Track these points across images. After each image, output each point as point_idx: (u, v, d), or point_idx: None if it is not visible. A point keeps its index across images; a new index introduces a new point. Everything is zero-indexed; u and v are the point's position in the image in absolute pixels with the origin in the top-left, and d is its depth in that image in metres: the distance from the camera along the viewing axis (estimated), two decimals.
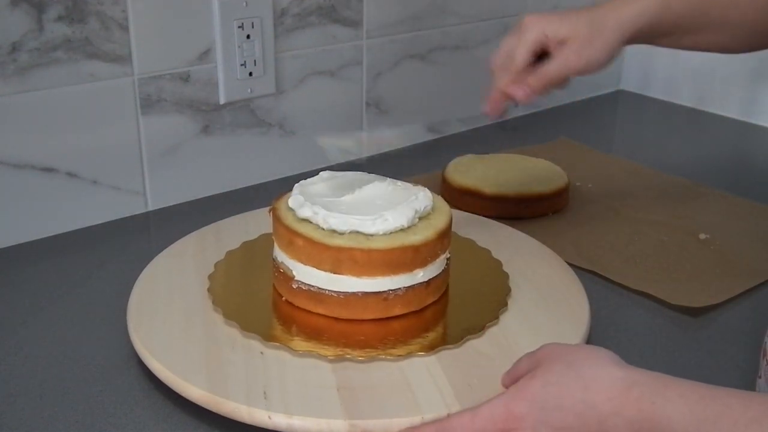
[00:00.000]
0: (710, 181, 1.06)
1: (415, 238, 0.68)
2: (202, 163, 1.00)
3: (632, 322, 0.76)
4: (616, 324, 0.75)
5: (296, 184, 0.74)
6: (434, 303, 0.73)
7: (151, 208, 0.97)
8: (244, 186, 1.04)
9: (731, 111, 1.33)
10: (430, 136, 1.22)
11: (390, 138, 0.96)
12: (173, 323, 0.69)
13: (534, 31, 0.74)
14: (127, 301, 0.74)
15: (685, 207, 0.98)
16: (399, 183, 0.76)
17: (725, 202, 1.00)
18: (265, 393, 0.60)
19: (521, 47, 0.75)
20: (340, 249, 0.67)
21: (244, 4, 0.97)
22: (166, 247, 0.82)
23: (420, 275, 0.70)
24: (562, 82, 0.77)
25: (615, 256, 0.86)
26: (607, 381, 0.50)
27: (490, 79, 0.78)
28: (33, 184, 0.88)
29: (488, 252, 0.82)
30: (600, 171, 1.09)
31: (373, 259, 0.67)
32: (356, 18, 1.08)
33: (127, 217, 0.95)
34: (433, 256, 0.70)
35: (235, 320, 0.69)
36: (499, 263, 0.80)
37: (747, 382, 0.66)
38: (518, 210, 0.94)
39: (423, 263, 0.69)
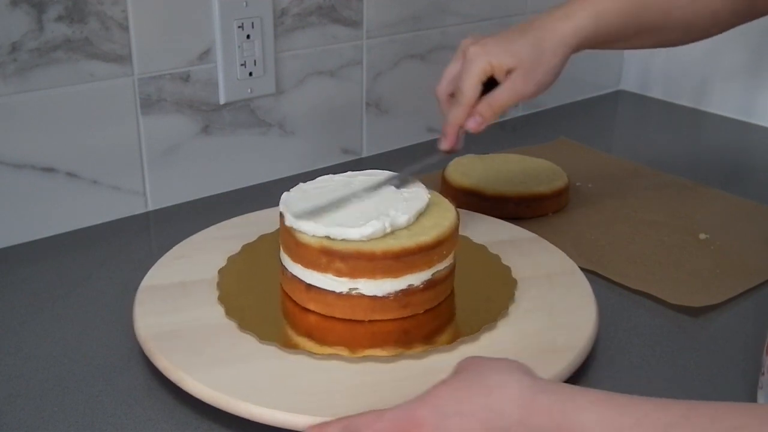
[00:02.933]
0: (710, 181, 1.06)
1: (420, 239, 0.69)
2: (202, 163, 1.00)
3: (632, 322, 0.76)
4: (616, 324, 0.75)
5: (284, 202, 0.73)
6: (440, 303, 0.73)
7: (151, 208, 0.97)
8: (244, 186, 1.04)
9: (731, 111, 1.33)
10: (430, 136, 1.22)
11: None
12: (181, 322, 0.69)
13: (479, 62, 0.75)
14: (128, 301, 0.74)
15: (685, 207, 0.98)
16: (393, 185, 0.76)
17: (725, 202, 1.00)
18: (271, 391, 0.61)
19: (469, 80, 0.75)
20: (346, 252, 0.67)
21: (244, 4, 0.97)
22: (166, 247, 0.82)
23: (421, 276, 0.70)
24: (510, 107, 0.78)
25: (615, 255, 0.86)
26: (515, 388, 0.49)
27: (439, 109, 0.80)
28: (33, 184, 0.88)
29: (485, 248, 0.82)
30: (600, 171, 1.09)
31: (372, 262, 0.67)
32: (356, 18, 1.08)
33: (127, 217, 0.95)
34: (436, 258, 0.70)
35: (237, 319, 0.69)
36: (498, 257, 0.80)
37: (747, 381, 0.66)
38: (518, 210, 0.94)
39: (425, 265, 0.70)
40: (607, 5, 0.77)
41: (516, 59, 0.75)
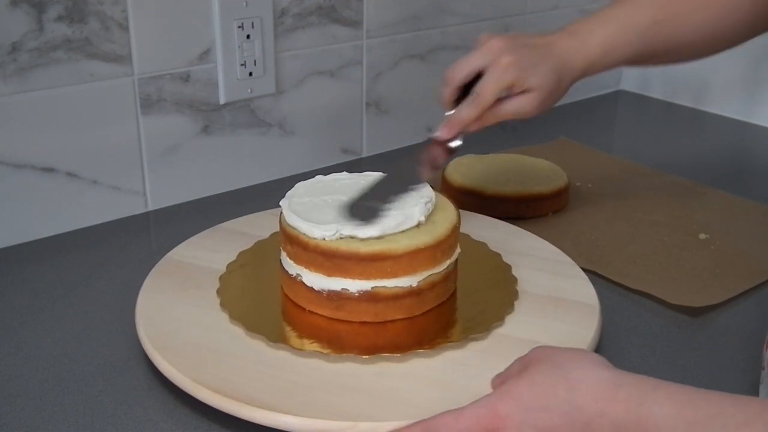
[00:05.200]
0: (710, 181, 1.06)
1: (454, 219, 0.70)
2: (202, 163, 1.00)
3: (632, 322, 0.76)
4: (617, 324, 0.75)
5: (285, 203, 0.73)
6: (443, 303, 0.73)
7: (151, 208, 0.97)
8: (244, 186, 1.04)
9: (731, 111, 1.33)
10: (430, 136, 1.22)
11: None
12: (182, 324, 0.69)
13: (511, 74, 0.76)
14: (128, 301, 0.74)
15: (685, 207, 0.98)
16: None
17: (725, 202, 1.00)
18: (274, 393, 0.61)
19: (495, 88, 0.76)
20: (416, 251, 0.67)
21: (244, 4, 0.97)
22: (166, 247, 0.82)
23: (458, 251, 0.71)
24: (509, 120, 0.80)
25: (615, 256, 0.86)
26: (594, 382, 0.50)
27: (443, 92, 0.80)
28: (33, 184, 0.88)
29: (486, 245, 0.82)
30: (600, 171, 1.09)
31: (442, 246, 0.69)
32: (356, 18, 1.08)
33: (127, 217, 0.95)
34: (437, 258, 0.70)
35: (242, 321, 0.69)
36: (498, 256, 0.80)
37: (747, 381, 0.67)
38: (518, 210, 0.94)
39: (453, 249, 0.71)
40: (621, 35, 0.80)
41: (539, 84, 0.77)
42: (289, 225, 0.70)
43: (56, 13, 0.84)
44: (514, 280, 0.77)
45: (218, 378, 0.62)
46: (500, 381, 0.56)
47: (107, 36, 0.88)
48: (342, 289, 0.69)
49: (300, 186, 0.76)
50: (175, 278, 0.76)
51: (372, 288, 0.68)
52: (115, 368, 0.68)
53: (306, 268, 0.69)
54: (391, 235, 0.68)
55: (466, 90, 0.79)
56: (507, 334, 0.69)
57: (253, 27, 0.98)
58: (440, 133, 0.78)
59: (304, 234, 0.68)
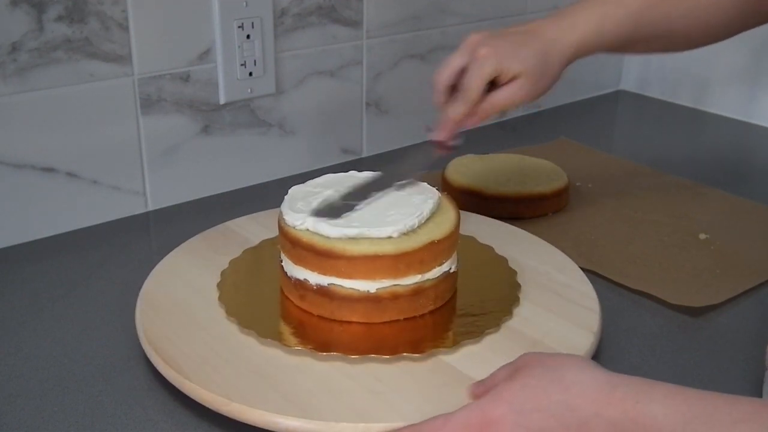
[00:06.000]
0: (710, 181, 1.06)
1: (437, 234, 0.69)
2: (202, 163, 1.00)
3: (632, 322, 0.76)
4: (617, 324, 0.75)
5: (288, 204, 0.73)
6: (444, 304, 0.73)
7: (151, 208, 0.97)
8: (244, 186, 1.04)
9: (731, 111, 1.33)
10: (430, 136, 1.22)
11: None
12: (182, 325, 0.69)
13: (491, 64, 0.75)
14: (128, 301, 0.74)
15: (685, 207, 0.98)
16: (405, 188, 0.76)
17: (725, 202, 1.00)
18: (273, 394, 0.61)
19: (477, 80, 0.76)
20: (373, 257, 0.67)
21: (244, 4, 0.97)
22: (166, 247, 0.82)
23: (443, 269, 0.71)
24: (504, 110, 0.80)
25: (615, 255, 0.86)
26: (590, 383, 0.50)
27: (434, 97, 0.80)
28: (33, 184, 0.88)
29: (491, 249, 0.82)
30: (600, 171, 1.09)
31: (405, 259, 0.68)
32: (356, 18, 1.08)
33: (127, 217, 0.95)
34: (451, 250, 0.71)
35: (243, 323, 0.69)
36: (505, 261, 0.80)
37: (748, 381, 0.67)
38: (518, 210, 0.94)
39: (444, 258, 0.70)
40: (610, 16, 0.79)
41: (524, 67, 0.76)
42: (281, 210, 0.72)
43: (56, 13, 0.84)
44: (515, 281, 0.77)
45: (217, 379, 0.62)
46: (484, 388, 0.55)
47: (107, 36, 0.88)
48: (304, 279, 0.70)
49: (328, 177, 0.78)
50: (175, 279, 0.76)
51: (328, 284, 0.69)
52: (115, 368, 0.68)
53: (282, 252, 0.72)
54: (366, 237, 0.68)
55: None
56: (506, 335, 0.69)
57: (253, 27, 0.98)
58: (436, 135, 0.78)
59: (283, 219, 0.71)
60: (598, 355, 0.69)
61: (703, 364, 0.70)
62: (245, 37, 0.98)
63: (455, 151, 0.80)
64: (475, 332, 0.68)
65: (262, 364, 0.64)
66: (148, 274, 0.77)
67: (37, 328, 0.73)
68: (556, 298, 0.74)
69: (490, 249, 0.82)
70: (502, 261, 0.80)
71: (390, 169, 0.78)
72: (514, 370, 0.53)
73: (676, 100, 1.41)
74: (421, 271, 0.69)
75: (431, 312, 0.71)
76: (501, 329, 0.69)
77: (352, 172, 0.79)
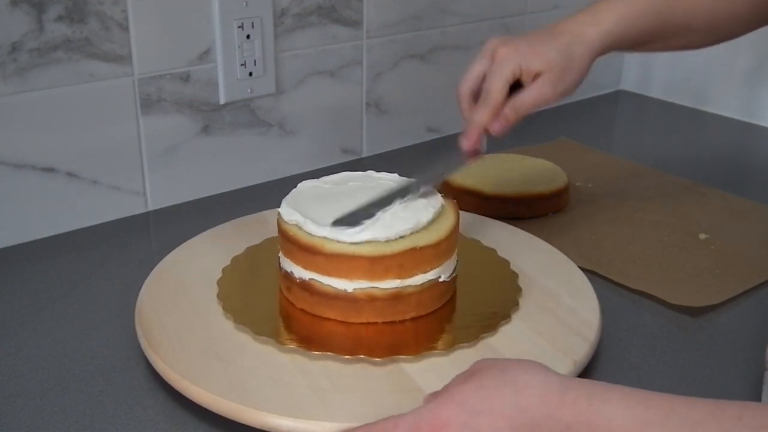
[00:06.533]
0: (710, 181, 1.06)
1: (421, 241, 0.68)
2: (202, 163, 1.00)
3: (632, 322, 0.76)
4: (616, 324, 0.75)
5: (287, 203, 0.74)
6: (444, 304, 0.73)
7: (151, 208, 0.97)
8: (244, 186, 1.04)
9: (731, 111, 1.33)
10: (430, 136, 1.22)
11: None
12: (181, 326, 0.69)
13: (510, 64, 0.74)
14: (128, 301, 0.74)
15: (685, 207, 0.98)
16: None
17: (725, 202, 1.00)
18: (271, 395, 0.61)
19: (498, 81, 0.74)
20: (350, 257, 0.67)
21: (244, 4, 0.97)
22: (166, 247, 0.82)
23: (428, 277, 0.70)
24: (534, 111, 0.77)
25: (615, 256, 0.86)
26: (542, 385, 0.49)
27: (457, 106, 0.79)
28: (33, 184, 0.88)
29: (494, 251, 0.82)
30: (600, 171, 1.09)
31: (382, 263, 0.67)
32: (356, 18, 1.08)
33: (127, 217, 0.95)
34: (439, 259, 0.70)
35: (246, 324, 0.69)
36: (506, 263, 0.80)
37: (747, 381, 0.66)
38: (518, 210, 0.94)
39: (429, 266, 0.69)
40: (633, 9, 0.78)
41: (546, 64, 0.74)
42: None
43: (56, 13, 0.84)
44: (514, 281, 0.77)
45: (216, 380, 0.62)
46: (434, 397, 0.54)
47: (107, 36, 0.88)
48: (290, 271, 0.71)
49: (344, 174, 0.78)
50: (175, 279, 0.76)
51: (309, 279, 0.69)
52: (115, 368, 0.68)
53: (279, 243, 0.73)
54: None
55: None
56: (480, 352, 0.67)
57: (253, 27, 0.98)
58: (463, 143, 0.77)
59: (279, 211, 0.72)
60: (598, 356, 0.69)
61: (703, 364, 0.70)
62: (245, 37, 0.98)
63: (481, 154, 0.78)
64: (447, 345, 0.67)
65: (263, 365, 0.64)
66: (148, 274, 0.77)
67: (37, 328, 0.73)
68: (549, 318, 0.71)
69: (492, 252, 0.82)
70: (504, 266, 0.79)
71: (420, 175, 0.76)
72: (468, 375, 0.53)
73: (676, 100, 1.41)
74: (401, 276, 0.68)
75: (414, 318, 0.70)
76: (477, 345, 0.67)
77: (370, 172, 0.79)
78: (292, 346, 0.66)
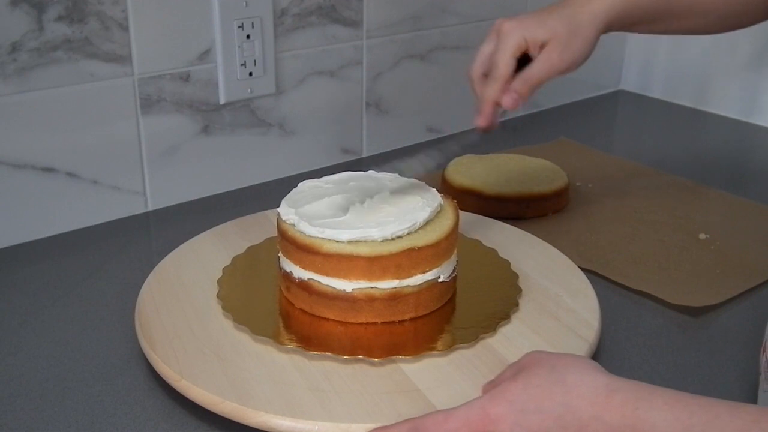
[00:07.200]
0: (710, 181, 1.06)
1: (420, 241, 0.68)
2: (202, 163, 1.00)
3: (632, 322, 0.76)
4: (617, 324, 0.75)
5: (286, 201, 0.74)
6: (444, 305, 0.73)
7: (151, 208, 0.97)
8: (244, 186, 1.05)
9: (731, 111, 1.33)
10: (430, 136, 1.22)
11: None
12: (181, 326, 0.69)
13: (514, 36, 0.74)
14: (128, 301, 0.74)
15: (685, 207, 0.98)
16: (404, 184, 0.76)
17: (725, 202, 1.00)
18: (270, 395, 0.61)
19: (504, 54, 0.74)
20: (348, 257, 0.67)
21: (244, 4, 0.97)
22: (166, 247, 0.82)
23: (427, 278, 0.70)
24: (545, 82, 0.77)
25: (615, 255, 0.86)
26: (590, 386, 0.50)
27: (470, 89, 0.78)
28: (33, 184, 0.88)
29: (495, 252, 0.82)
30: (600, 171, 1.09)
31: (380, 263, 0.67)
32: (356, 18, 1.08)
33: (127, 217, 0.95)
34: (438, 259, 0.70)
35: (245, 324, 0.69)
36: (507, 263, 0.80)
37: (747, 381, 0.66)
38: (518, 210, 0.94)
39: (428, 266, 0.69)
40: None
41: (551, 32, 0.74)
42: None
43: (56, 13, 0.84)
44: (514, 281, 0.77)
45: (216, 380, 0.62)
46: (492, 386, 0.55)
47: (107, 36, 0.88)
48: (289, 271, 0.71)
49: (344, 174, 0.79)
50: (175, 279, 0.76)
51: (308, 279, 0.69)
52: (114, 368, 0.68)
53: (278, 243, 0.73)
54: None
55: None
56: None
57: (253, 27, 0.98)
58: (478, 120, 0.76)
59: (279, 211, 0.72)
60: (598, 355, 0.69)
61: (703, 364, 0.70)
62: (245, 37, 0.98)
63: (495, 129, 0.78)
64: (446, 346, 0.67)
65: (262, 365, 0.64)
66: (148, 274, 0.77)
67: (37, 328, 0.73)
68: (549, 318, 0.71)
69: (492, 252, 0.82)
70: (504, 266, 0.79)
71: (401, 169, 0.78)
72: (518, 369, 0.54)
73: (676, 100, 1.41)
74: (399, 277, 0.68)
75: (413, 319, 0.70)
76: (476, 346, 0.67)
77: (371, 172, 0.79)
78: (291, 346, 0.66)
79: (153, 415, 0.62)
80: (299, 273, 0.70)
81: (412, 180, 0.77)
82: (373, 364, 0.64)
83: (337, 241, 0.67)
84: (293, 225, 0.70)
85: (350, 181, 0.77)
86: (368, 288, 0.68)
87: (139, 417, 0.62)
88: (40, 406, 0.63)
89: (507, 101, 0.75)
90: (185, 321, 0.70)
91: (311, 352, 0.65)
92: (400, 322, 0.70)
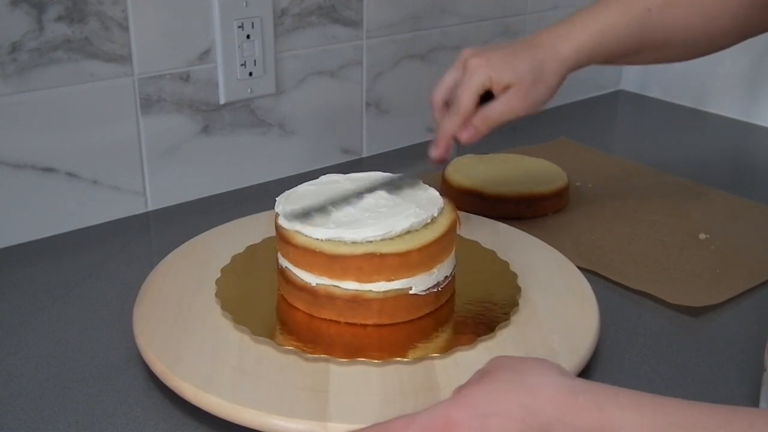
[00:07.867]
0: (710, 181, 1.06)
1: (385, 248, 0.67)
2: (202, 163, 1.00)
3: (632, 322, 0.76)
4: (616, 324, 0.75)
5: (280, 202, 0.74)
6: (442, 306, 0.73)
7: (151, 208, 0.97)
8: (244, 186, 1.04)
9: (731, 111, 1.33)
10: (430, 136, 1.22)
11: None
12: (180, 326, 0.69)
13: (480, 75, 0.76)
14: (128, 301, 0.74)
15: (685, 207, 0.98)
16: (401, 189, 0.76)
17: (725, 202, 1.00)
18: (269, 395, 0.60)
19: (467, 91, 0.76)
20: (312, 251, 0.67)
21: (244, 4, 0.97)
22: (166, 247, 0.82)
23: (393, 286, 0.69)
24: (504, 123, 0.78)
25: (615, 255, 0.86)
26: (553, 388, 0.49)
27: (432, 114, 0.80)
28: (33, 184, 0.88)
29: (494, 253, 0.82)
30: (600, 171, 1.09)
31: (341, 262, 0.67)
32: (356, 18, 1.08)
33: (127, 217, 0.95)
34: (407, 270, 0.69)
35: (244, 324, 0.69)
36: (505, 264, 0.80)
37: (747, 381, 0.66)
38: (518, 210, 0.94)
39: (393, 275, 0.68)
40: (610, 23, 0.78)
41: (515, 76, 0.76)
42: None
43: (56, 13, 0.84)
44: (514, 282, 0.76)
45: (215, 381, 0.62)
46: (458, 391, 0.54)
47: (107, 36, 0.88)
48: (279, 263, 0.73)
49: (350, 176, 0.79)
50: (175, 279, 0.76)
51: (284, 267, 0.72)
52: (114, 369, 0.68)
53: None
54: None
55: None
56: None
57: (253, 27, 0.98)
58: (432, 152, 0.79)
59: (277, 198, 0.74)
60: (598, 356, 0.69)
61: (703, 364, 0.70)
62: (245, 37, 0.98)
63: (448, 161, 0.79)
64: (445, 347, 0.67)
65: (262, 366, 0.64)
66: (148, 274, 0.77)
67: (37, 328, 0.73)
68: (549, 318, 0.71)
69: (492, 252, 0.82)
70: (504, 267, 0.79)
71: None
72: (483, 374, 0.53)
73: (676, 100, 1.41)
74: (359, 280, 0.68)
75: (413, 319, 0.70)
76: (476, 347, 0.66)
77: (372, 173, 0.79)
78: (290, 346, 0.66)
79: (153, 415, 0.62)
80: (281, 261, 0.72)
81: (428, 188, 0.76)
82: (373, 365, 0.64)
83: (305, 235, 0.68)
84: (279, 215, 0.72)
85: (367, 180, 0.77)
86: (330, 285, 0.69)
87: (139, 417, 0.62)
88: (40, 406, 0.63)
89: (465, 136, 0.77)
90: (184, 321, 0.70)
91: (311, 353, 0.65)
92: (402, 323, 0.70)
